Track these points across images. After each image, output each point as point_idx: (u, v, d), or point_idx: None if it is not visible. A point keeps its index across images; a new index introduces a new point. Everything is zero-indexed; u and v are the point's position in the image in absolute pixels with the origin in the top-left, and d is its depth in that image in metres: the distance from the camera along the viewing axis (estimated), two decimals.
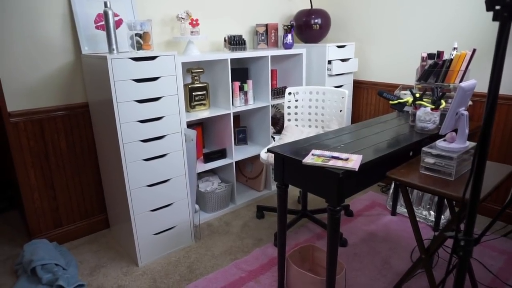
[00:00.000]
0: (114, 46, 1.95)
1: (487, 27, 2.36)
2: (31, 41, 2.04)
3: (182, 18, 2.42)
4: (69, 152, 2.29)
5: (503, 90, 2.34)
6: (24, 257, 1.99)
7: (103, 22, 2.20)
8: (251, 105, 2.71)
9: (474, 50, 2.03)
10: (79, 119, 2.29)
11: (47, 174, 2.22)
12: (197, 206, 2.41)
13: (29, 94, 2.09)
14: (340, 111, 2.43)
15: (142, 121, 1.95)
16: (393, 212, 2.61)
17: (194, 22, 2.44)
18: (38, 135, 2.15)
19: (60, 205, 2.31)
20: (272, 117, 3.11)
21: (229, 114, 2.56)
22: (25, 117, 2.08)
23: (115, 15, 2.22)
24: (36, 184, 2.19)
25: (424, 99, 1.88)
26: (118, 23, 2.27)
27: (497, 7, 0.65)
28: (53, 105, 2.18)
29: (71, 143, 2.28)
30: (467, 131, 1.54)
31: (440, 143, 1.57)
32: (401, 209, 2.65)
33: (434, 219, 2.43)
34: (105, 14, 1.91)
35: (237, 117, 3.11)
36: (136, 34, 2.04)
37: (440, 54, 2.17)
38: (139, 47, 2.06)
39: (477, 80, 2.43)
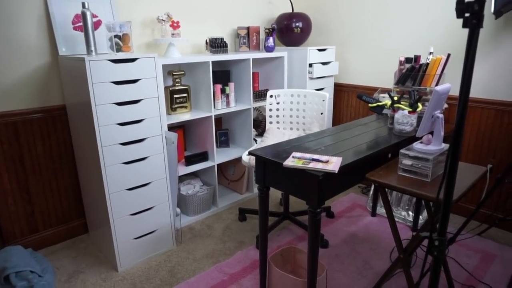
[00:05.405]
0: (92, 48, 1.92)
1: (460, 33, 2.44)
2: (5, 41, 1.98)
3: (163, 20, 2.40)
4: (46, 156, 2.22)
5: (477, 93, 2.42)
6: None
7: (81, 23, 2.16)
8: (233, 107, 2.71)
9: (448, 55, 2.09)
10: (56, 121, 2.23)
11: (22, 178, 2.15)
12: (178, 210, 2.38)
13: (3, 96, 2.02)
14: (321, 113, 2.46)
15: (121, 124, 1.92)
16: (373, 213, 2.65)
17: (175, 24, 2.42)
18: (13, 138, 2.08)
19: (36, 210, 2.25)
20: (254, 120, 3.12)
21: (211, 116, 2.55)
22: None
23: (93, 16, 2.18)
24: (10, 189, 2.12)
25: (401, 102, 1.93)
26: (97, 24, 2.23)
27: (467, 15, 0.68)
28: (29, 107, 2.12)
29: (48, 146, 2.22)
30: (442, 133, 1.59)
31: (417, 145, 1.61)
32: (381, 210, 2.69)
33: (412, 220, 2.48)
34: (83, 15, 1.88)
35: (218, 119, 3.10)
36: (115, 36, 2.01)
37: (417, 58, 2.22)
38: (119, 49, 2.03)
39: (452, 84, 2.50)
